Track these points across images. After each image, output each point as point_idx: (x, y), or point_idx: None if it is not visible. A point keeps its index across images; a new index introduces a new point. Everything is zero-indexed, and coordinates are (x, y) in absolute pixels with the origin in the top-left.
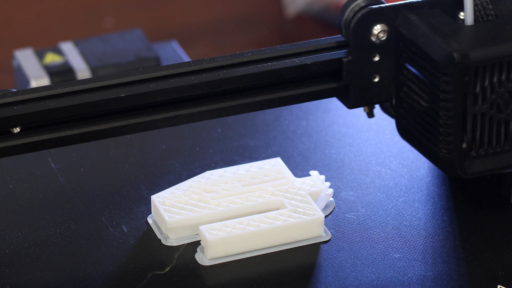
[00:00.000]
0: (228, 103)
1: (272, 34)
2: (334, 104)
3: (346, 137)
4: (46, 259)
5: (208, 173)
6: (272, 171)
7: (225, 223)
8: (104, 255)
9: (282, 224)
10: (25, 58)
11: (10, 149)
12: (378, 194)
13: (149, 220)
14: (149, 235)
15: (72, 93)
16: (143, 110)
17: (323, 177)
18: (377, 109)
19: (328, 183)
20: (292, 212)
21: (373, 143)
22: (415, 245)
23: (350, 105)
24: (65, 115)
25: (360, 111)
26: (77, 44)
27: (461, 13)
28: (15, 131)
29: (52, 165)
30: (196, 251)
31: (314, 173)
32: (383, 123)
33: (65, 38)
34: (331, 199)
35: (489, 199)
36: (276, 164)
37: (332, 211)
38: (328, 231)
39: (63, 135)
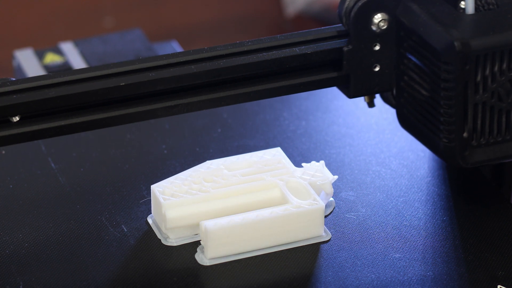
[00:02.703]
0: (228, 92)
1: (272, 34)
2: (334, 104)
3: (346, 137)
4: (46, 259)
5: (208, 163)
6: (272, 161)
7: (225, 216)
8: (104, 255)
9: (283, 213)
10: (25, 58)
11: (9, 138)
12: (378, 194)
13: (149, 220)
14: (149, 235)
15: (71, 82)
16: (142, 99)
17: (322, 162)
18: (377, 108)
19: (336, 177)
20: (292, 201)
21: (373, 143)
22: (415, 245)
23: (351, 94)
24: (65, 104)
25: (360, 111)
26: (77, 44)
27: (462, 2)
28: (14, 120)
29: (52, 165)
30: (196, 251)
31: (308, 164)
32: (383, 123)
33: (65, 38)
34: (331, 199)
35: (489, 199)
36: (276, 154)
37: (332, 211)
38: (328, 231)
39: (63, 124)
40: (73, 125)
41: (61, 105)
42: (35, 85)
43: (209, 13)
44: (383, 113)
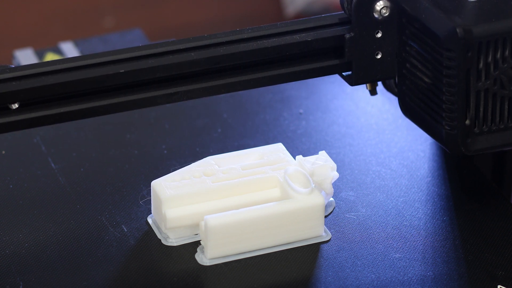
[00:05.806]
0: (228, 80)
1: None
2: (334, 104)
3: (346, 137)
4: (46, 259)
5: (208, 158)
6: (273, 156)
7: (225, 212)
8: (104, 255)
9: (283, 206)
10: (25, 58)
11: (8, 125)
12: (378, 194)
13: (149, 220)
14: (149, 235)
15: (70, 69)
16: (142, 87)
17: (322, 152)
18: (377, 108)
19: (337, 175)
20: (292, 194)
21: (373, 143)
22: (415, 245)
23: (353, 82)
24: (64, 91)
25: (360, 111)
26: (77, 44)
27: None
28: (14, 107)
29: (52, 165)
30: (196, 251)
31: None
32: (383, 123)
33: (65, 38)
34: (331, 199)
35: (489, 199)
36: (277, 149)
37: (332, 211)
38: (328, 231)
39: (62, 111)
40: (72, 112)
41: (61, 92)
42: (35, 72)
43: (209, 13)
44: (383, 113)
